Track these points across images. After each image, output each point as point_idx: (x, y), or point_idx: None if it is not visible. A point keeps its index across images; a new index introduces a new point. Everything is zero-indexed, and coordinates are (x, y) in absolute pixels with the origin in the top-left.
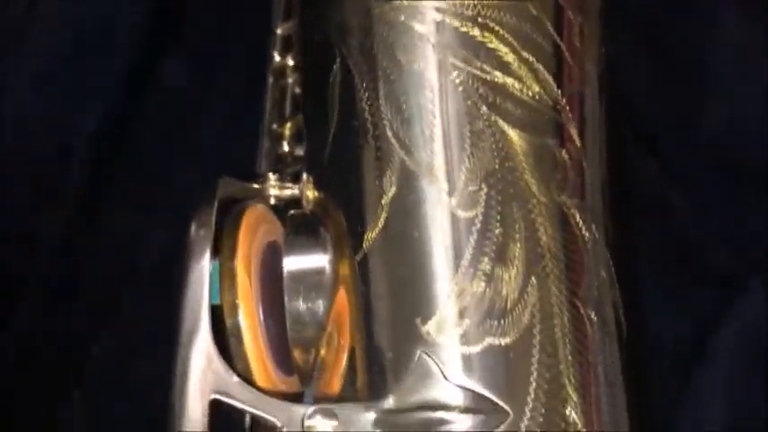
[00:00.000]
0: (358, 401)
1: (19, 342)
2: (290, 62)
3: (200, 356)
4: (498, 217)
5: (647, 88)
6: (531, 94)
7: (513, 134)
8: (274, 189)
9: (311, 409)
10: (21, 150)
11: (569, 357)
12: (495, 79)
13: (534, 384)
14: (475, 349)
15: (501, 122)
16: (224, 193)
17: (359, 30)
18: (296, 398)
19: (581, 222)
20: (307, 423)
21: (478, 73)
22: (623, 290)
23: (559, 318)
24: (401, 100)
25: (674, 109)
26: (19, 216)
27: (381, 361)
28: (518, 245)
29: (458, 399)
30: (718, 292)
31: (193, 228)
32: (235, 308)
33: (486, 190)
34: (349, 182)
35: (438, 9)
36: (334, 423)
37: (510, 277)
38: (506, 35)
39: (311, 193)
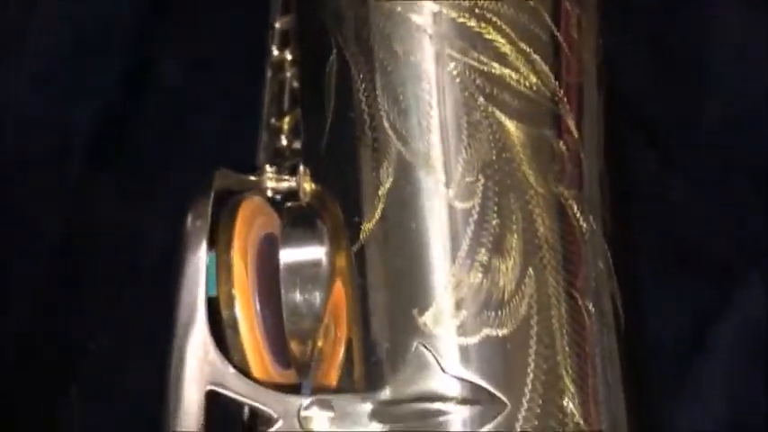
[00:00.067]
0: (355, 393)
1: (19, 342)
2: (289, 56)
3: (197, 348)
4: (495, 208)
5: (647, 88)
6: (528, 85)
7: (510, 125)
8: (271, 181)
9: (307, 400)
10: (21, 150)
11: (567, 348)
12: (493, 70)
13: (532, 375)
14: (472, 340)
15: (498, 113)
16: (220, 185)
17: (355, 20)
18: (293, 389)
19: (578, 213)
20: (303, 414)
21: (476, 64)
22: (622, 283)
23: (557, 309)
24: (398, 91)
25: (674, 108)
26: (19, 216)
27: (378, 352)
28: (515, 236)
29: (455, 390)
30: (718, 286)
31: (189, 219)
32: (231, 299)
33: (483, 181)
34: (346, 173)
35: (435, 0)
36: (331, 414)
37: (507, 268)
38: (504, 26)
39: (308, 186)
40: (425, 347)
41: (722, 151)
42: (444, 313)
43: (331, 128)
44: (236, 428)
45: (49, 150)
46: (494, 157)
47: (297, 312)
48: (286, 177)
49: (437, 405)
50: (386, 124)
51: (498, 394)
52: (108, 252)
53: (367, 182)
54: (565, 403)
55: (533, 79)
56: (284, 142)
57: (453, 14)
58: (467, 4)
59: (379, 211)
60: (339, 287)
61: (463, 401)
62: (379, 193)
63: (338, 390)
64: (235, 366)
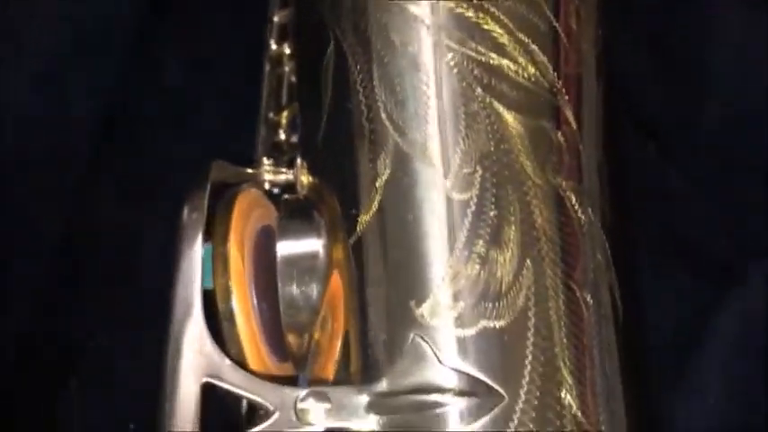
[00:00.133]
0: (352, 385)
1: (19, 342)
2: (287, 50)
3: (193, 340)
4: (493, 199)
5: (647, 88)
6: (526, 75)
7: (508, 116)
8: (268, 174)
9: (304, 392)
10: (21, 150)
11: (564, 340)
12: (491, 61)
13: (529, 367)
14: (469, 332)
15: (496, 104)
16: (217, 177)
17: (353, 11)
18: (289, 382)
19: (577, 205)
20: (299, 406)
21: (473, 54)
22: (620, 275)
23: (554, 300)
24: (395, 82)
25: (674, 108)
26: (19, 216)
27: (375, 344)
28: (513, 227)
29: (452, 381)
30: (717, 281)
31: (186, 211)
32: (228, 291)
33: (480, 172)
34: (343, 165)
35: None
36: (327, 406)
37: (505, 260)
38: (502, 16)
39: (305, 178)
40: (422, 339)
41: (722, 151)
42: (442, 305)
43: (328, 120)
44: (235, 423)
45: (49, 150)
46: (492, 149)
47: (294, 305)
48: (283, 170)
49: (434, 397)
50: (383, 115)
51: (496, 386)
52: (108, 252)
53: (364, 173)
54: (562, 395)
55: (532, 70)
56: (282, 136)
57: (451, 5)
58: None
59: (376, 202)
60: (336, 279)
61: (460, 393)
62: (377, 184)
63: (335, 382)
64: (231, 358)
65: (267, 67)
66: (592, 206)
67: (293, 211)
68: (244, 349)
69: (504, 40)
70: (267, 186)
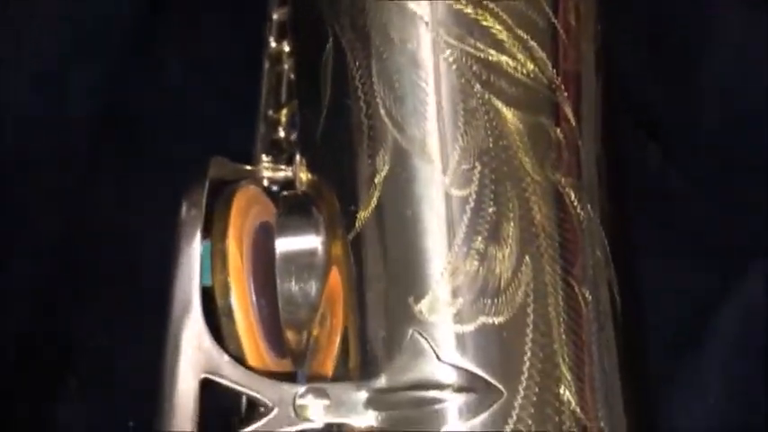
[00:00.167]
0: (350, 381)
1: (19, 342)
2: (286, 48)
3: (192, 336)
4: (492, 196)
5: (647, 88)
6: (525, 72)
7: (507, 112)
8: (267, 171)
9: (303, 388)
10: (21, 150)
11: (563, 336)
12: (490, 57)
13: (528, 363)
14: (468, 328)
15: (495, 101)
16: (216, 174)
17: (352, 7)
18: (288, 378)
19: (576, 201)
20: (298, 402)
21: (472, 51)
22: (620, 271)
23: (553, 297)
24: (394, 78)
25: (674, 108)
26: (19, 216)
27: (374, 341)
28: (512, 224)
29: (451, 378)
30: (717, 280)
31: (184, 208)
32: (226, 288)
33: (479, 168)
34: (341, 161)
35: None
36: (326, 402)
37: (504, 256)
38: (501, 13)
39: (304, 175)
40: (421, 335)
41: (722, 151)
42: (440, 301)
43: (327, 116)
44: (234, 419)
45: (49, 150)
46: (490, 145)
47: (292, 302)
48: (282, 167)
49: (433, 393)
50: (382, 111)
51: (494, 382)
52: (108, 252)
53: (363, 170)
54: (561, 391)
55: (530, 66)
56: (282, 134)
57: (450, 1)
58: None
59: (375, 199)
60: (335, 276)
61: (459, 389)
62: (375, 180)
63: (334, 379)
64: (230, 355)
65: (266, 65)
66: (591, 202)
67: (292, 208)
68: (242, 346)
69: (503, 36)
70: (266, 183)
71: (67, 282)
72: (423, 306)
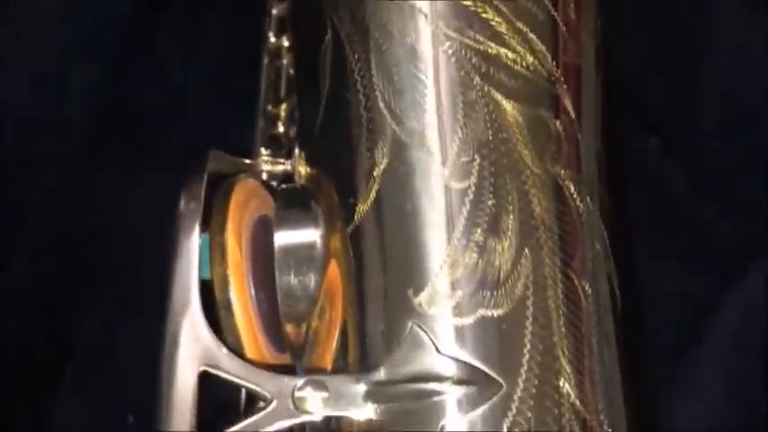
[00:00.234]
0: (349, 373)
1: (19, 342)
2: (285, 43)
3: (190, 329)
4: (491, 188)
5: (647, 88)
6: (525, 64)
7: (506, 105)
8: (266, 164)
9: (302, 380)
10: (21, 150)
11: (563, 329)
12: (489, 50)
13: (527, 356)
14: (467, 321)
15: (494, 93)
16: (215, 168)
17: (351, 0)
18: (287, 370)
19: (575, 194)
20: (297, 394)
21: (471, 43)
22: (619, 264)
23: (553, 289)
24: (393, 71)
25: (674, 109)
26: (19, 216)
27: (373, 333)
28: (511, 216)
29: (450, 370)
30: (718, 278)
31: (183, 200)
32: (225, 281)
33: (479, 161)
34: (340, 154)
35: None
36: (325, 395)
37: (503, 248)
38: (500, 5)
39: (303, 169)
40: (420, 328)
41: (722, 152)
42: (440, 294)
43: (326, 109)
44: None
45: (49, 150)
46: (490, 137)
47: (291, 295)
48: (281, 161)
49: (432, 385)
50: (381, 104)
51: (494, 375)
52: (108, 252)
53: (362, 162)
54: (561, 384)
55: (530, 59)
56: (281, 129)
57: None
58: None
59: (373, 191)
60: (334, 269)
61: (458, 382)
62: (374, 173)
63: (333, 372)
64: (228, 348)
65: (265, 60)
66: (590, 195)
67: (290, 201)
68: (241, 339)
69: (503, 28)
70: (265, 177)
71: (67, 282)
72: (422, 299)
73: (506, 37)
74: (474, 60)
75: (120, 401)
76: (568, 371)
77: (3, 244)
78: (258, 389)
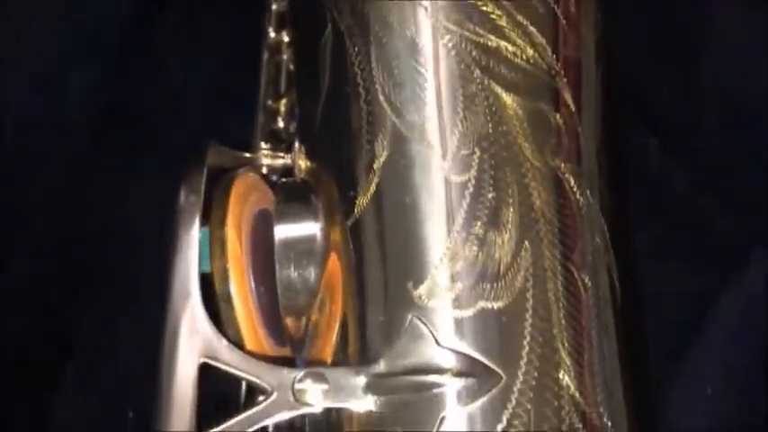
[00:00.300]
0: (349, 366)
1: (19, 342)
2: (285, 38)
3: (190, 321)
4: (491, 181)
5: (647, 88)
6: (525, 57)
7: (506, 98)
8: (266, 159)
9: (302, 372)
10: (21, 150)
11: (563, 321)
12: (489, 43)
13: (527, 348)
14: (467, 313)
15: (494, 86)
16: (215, 162)
17: None
18: (287, 363)
19: (575, 187)
20: (297, 386)
21: (472, 36)
22: (619, 257)
23: (553, 282)
24: (393, 64)
25: (674, 109)
26: (19, 216)
27: (373, 326)
28: (511, 209)
29: (449, 362)
30: (717, 276)
31: (183, 194)
32: (225, 274)
33: (479, 154)
34: (340, 147)
35: None
36: (325, 387)
37: (503, 241)
38: None
39: (303, 163)
40: (420, 320)
41: (722, 151)
42: (439, 286)
43: (325, 103)
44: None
45: (49, 150)
46: (490, 130)
47: (291, 288)
48: (281, 154)
49: (432, 377)
50: (381, 97)
51: (493, 367)
52: (108, 252)
53: (362, 156)
54: (560, 376)
55: (530, 52)
56: (281, 124)
57: None
58: None
59: (373, 184)
60: (334, 262)
61: (458, 374)
62: (374, 166)
63: (333, 364)
64: (228, 340)
65: (265, 55)
66: (590, 188)
67: (290, 195)
68: (241, 332)
69: (503, 21)
70: (265, 171)
71: (67, 282)
72: (422, 291)
73: (506, 30)
74: (474, 53)
75: (120, 401)
76: (568, 363)
77: (3, 244)
78: (258, 381)
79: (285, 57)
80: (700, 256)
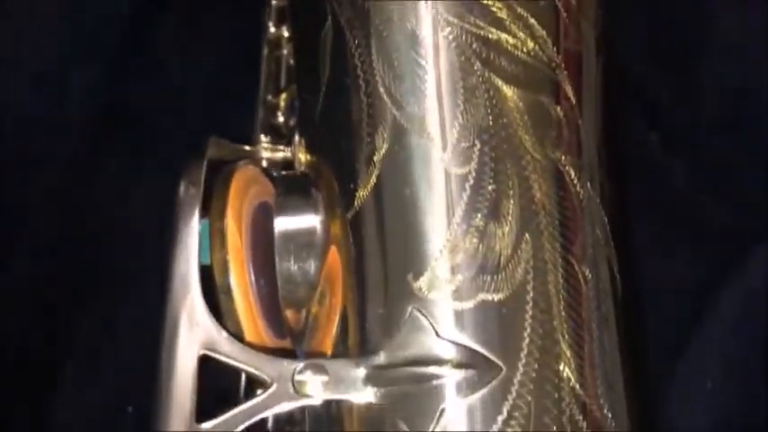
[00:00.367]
0: (349, 358)
1: (19, 342)
2: (285, 33)
3: (190, 313)
4: (492, 173)
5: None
6: (525, 50)
7: (507, 90)
8: (266, 152)
9: (301, 364)
10: (21, 150)
11: (563, 314)
12: (489, 35)
13: (527, 340)
14: (467, 305)
15: (495, 78)
16: (215, 154)
17: None
18: (287, 355)
19: (576, 179)
20: (297, 378)
21: (472, 29)
22: (619, 249)
23: (553, 274)
24: (393, 56)
25: (674, 109)
26: (19, 216)
27: (373, 318)
28: (511, 201)
29: (449, 354)
30: (718, 266)
31: (183, 186)
32: (225, 266)
33: (479, 146)
34: (340, 140)
35: None
36: (325, 378)
37: (503, 233)
38: None
39: (303, 155)
40: (420, 312)
41: (722, 151)
42: (440, 278)
43: (326, 95)
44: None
45: (49, 150)
46: (490, 123)
47: (291, 281)
48: (281, 148)
49: (432, 369)
50: (381, 89)
51: (493, 359)
52: (108, 252)
53: (362, 148)
54: (561, 368)
55: (531, 44)
56: (281, 119)
57: None
58: None
59: (374, 177)
60: (334, 254)
61: (458, 365)
62: (375, 159)
63: (333, 356)
64: (228, 332)
65: (265, 50)
66: (591, 181)
67: (290, 187)
68: (241, 324)
69: (503, 14)
70: (265, 164)
71: (67, 282)
72: (422, 283)
73: (507, 22)
74: (474, 46)
75: (120, 401)
76: (568, 355)
77: (3, 244)
78: (258, 372)
79: (285, 52)
80: (700, 252)
